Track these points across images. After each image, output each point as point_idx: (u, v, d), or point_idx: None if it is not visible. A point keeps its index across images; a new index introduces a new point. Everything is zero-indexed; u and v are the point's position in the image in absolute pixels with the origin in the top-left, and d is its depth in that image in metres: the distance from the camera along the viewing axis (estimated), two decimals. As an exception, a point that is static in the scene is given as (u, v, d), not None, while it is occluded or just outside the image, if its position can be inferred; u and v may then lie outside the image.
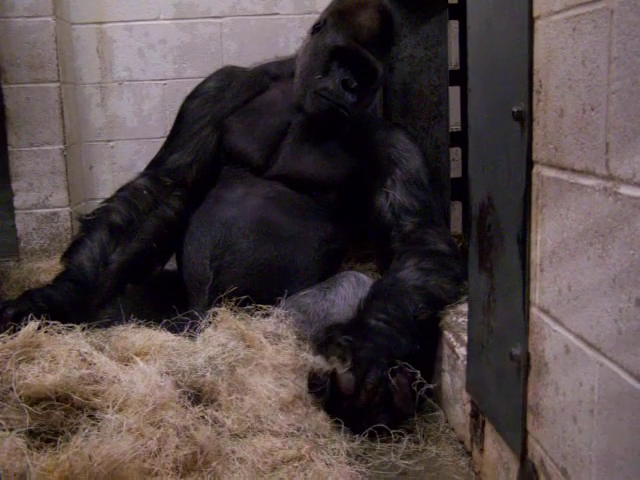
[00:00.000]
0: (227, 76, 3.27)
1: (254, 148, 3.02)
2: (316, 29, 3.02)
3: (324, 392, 2.17)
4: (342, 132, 3.00)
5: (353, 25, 2.88)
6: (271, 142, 3.02)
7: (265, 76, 3.24)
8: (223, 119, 3.12)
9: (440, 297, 2.55)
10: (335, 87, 2.88)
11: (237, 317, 2.50)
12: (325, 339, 2.37)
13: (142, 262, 2.94)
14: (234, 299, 2.58)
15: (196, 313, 2.55)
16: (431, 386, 2.20)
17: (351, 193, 3.00)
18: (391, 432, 2.13)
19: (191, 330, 2.45)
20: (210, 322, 2.46)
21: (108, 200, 3.06)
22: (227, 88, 3.20)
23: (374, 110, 3.34)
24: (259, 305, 2.58)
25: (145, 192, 3.03)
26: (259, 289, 2.73)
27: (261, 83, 3.21)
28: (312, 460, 1.93)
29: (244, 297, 2.59)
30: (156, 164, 3.19)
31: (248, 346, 2.38)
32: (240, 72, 3.29)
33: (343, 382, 2.13)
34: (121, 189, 3.11)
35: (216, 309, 2.52)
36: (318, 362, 2.23)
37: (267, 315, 2.56)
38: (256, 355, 2.35)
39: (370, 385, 2.12)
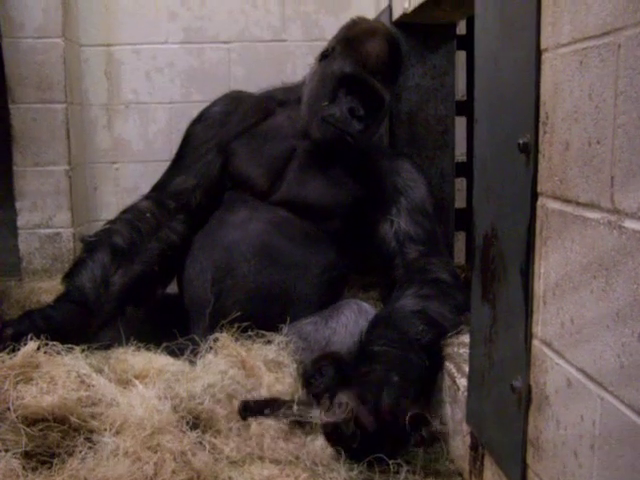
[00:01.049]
0: (233, 101, 3.28)
1: (259, 173, 3.02)
2: (324, 56, 3.03)
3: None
4: (347, 159, 2.99)
5: (361, 53, 2.89)
6: (276, 167, 3.02)
7: (271, 101, 3.25)
8: (228, 143, 3.12)
9: (441, 323, 2.53)
10: (342, 114, 2.88)
11: (238, 343, 2.50)
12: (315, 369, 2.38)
13: (143, 285, 2.93)
14: (235, 325, 2.57)
15: (196, 338, 2.54)
16: (431, 425, 2.18)
17: (355, 220, 3.00)
18: (390, 462, 2.11)
19: (191, 355, 2.44)
20: (211, 347, 2.45)
21: (111, 222, 3.05)
22: (233, 113, 3.21)
23: (380, 138, 3.34)
24: (260, 331, 2.57)
25: (148, 215, 3.02)
26: (260, 314, 2.72)
27: (267, 108, 3.22)
28: (309, 488, 1.92)
29: (246, 323, 2.58)
30: (160, 187, 3.19)
31: (248, 375, 2.37)
32: (246, 97, 3.30)
33: (363, 419, 2.08)
34: (124, 211, 3.10)
35: (217, 334, 2.51)
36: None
37: (268, 342, 2.55)
38: (256, 383, 2.34)
39: (387, 407, 2.09)
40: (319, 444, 2.15)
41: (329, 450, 2.13)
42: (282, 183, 3.00)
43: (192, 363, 2.39)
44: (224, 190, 3.11)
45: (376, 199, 2.98)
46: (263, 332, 2.56)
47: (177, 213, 3.08)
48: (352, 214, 2.99)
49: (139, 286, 2.91)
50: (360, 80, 2.89)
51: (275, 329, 2.62)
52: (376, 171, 3.04)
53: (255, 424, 2.16)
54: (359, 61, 2.89)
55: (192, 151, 3.17)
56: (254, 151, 3.07)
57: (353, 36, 2.97)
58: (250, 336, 2.55)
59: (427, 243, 2.90)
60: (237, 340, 2.51)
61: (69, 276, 2.83)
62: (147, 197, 3.15)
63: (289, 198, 2.97)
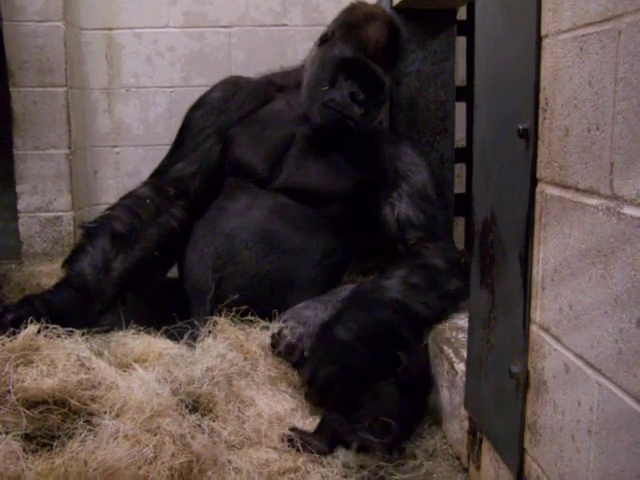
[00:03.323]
0: (232, 86, 3.26)
1: (258, 160, 3.01)
2: (323, 41, 3.02)
3: None
4: (348, 144, 2.99)
5: (361, 38, 2.89)
6: (276, 154, 3.01)
7: (270, 87, 3.24)
8: (227, 130, 3.11)
9: (421, 314, 2.60)
10: (343, 99, 2.87)
11: (237, 328, 2.51)
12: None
13: (143, 271, 2.92)
14: (235, 309, 2.58)
15: (196, 322, 2.55)
16: None
17: (355, 206, 2.99)
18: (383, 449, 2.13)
19: (190, 339, 2.45)
20: (210, 332, 2.46)
21: (111, 208, 3.05)
22: (232, 98, 3.19)
23: (380, 123, 3.33)
24: (259, 317, 2.59)
25: (148, 201, 3.02)
26: (261, 300, 2.72)
27: (266, 94, 3.21)
28: (308, 472, 1.93)
29: (244, 307, 2.59)
30: (160, 173, 3.18)
31: (246, 358, 2.38)
32: (245, 82, 3.29)
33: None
34: (124, 197, 3.10)
35: (216, 319, 2.52)
36: None
37: (267, 327, 2.57)
38: (254, 367, 2.35)
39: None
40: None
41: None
42: (282, 169, 2.99)
43: (191, 347, 2.40)
44: (224, 177, 3.10)
45: (377, 184, 2.98)
46: (262, 316, 2.58)
47: (176, 199, 3.08)
48: (352, 199, 2.99)
49: (139, 272, 2.90)
50: (360, 65, 2.89)
51: (275, 314, 2.63)
52: (377, 155, 3.04)
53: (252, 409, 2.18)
54: (359, 46, 2.88)
55: (191, 138, 3.17)
56: (253, 138, 3.06)
57: (353, 21, 2.96)
58: (249, 321, 2.57)
59: (427, 228, 2.91)
60: (236, 325, 2.52)
61: (69, 262, 2.83)
62: (146, 183, 3.15)
63: (289, 184, 2.97)
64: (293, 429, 2.16)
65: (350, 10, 3.04)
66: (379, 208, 2.96)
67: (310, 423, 2.21)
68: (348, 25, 2.95)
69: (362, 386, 2.33)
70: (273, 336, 2.50)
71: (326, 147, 3.00)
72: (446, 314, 2.63)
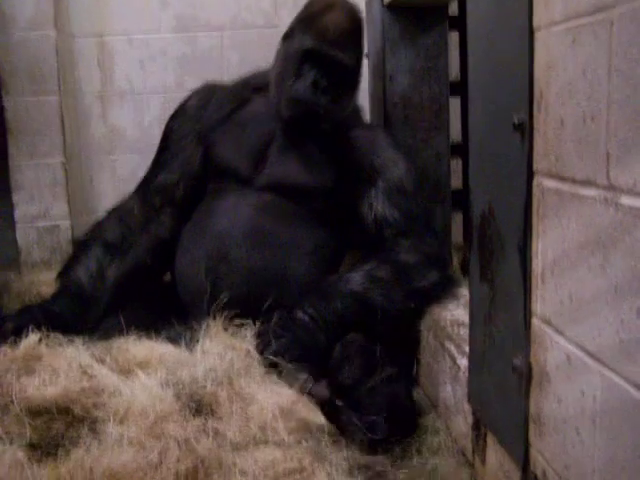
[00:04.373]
0: (208, 92, 3.27)
1: (240, 160, 3.02)
2: (287, 36, 3.04)
3: None
4: (323, 137, 2.99)
5: (320, 26, 2.89)
6: (256, 153, 3.02)
7: (246, 89, 3.24)
8: (207, 135, 3.12)
9: (383, 307, 2.65)
10: (306, 89, 2.86)
11: (232, 328, 2.52)
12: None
13: (137, 277, 2.96)
14: (232, 311, 2.58)
15: (195, 325, 2.56)
16: None
17: (338, 199, 3.00)
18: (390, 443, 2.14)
19: (190, 342, 2.46)
20: (207, 334, 2.47)
21: (100, 221, 3.13)
22: (209, 104, 3.20)
23: (357, 114, 3.31)
24: (257, 313, 2.60)
25: (136, 212, 3.06)
26: (256, 297, 2.73)
27: (242, 96, 3.21)
28: (313, 472, 1.93)
29: (242, 307, 2.60)
30: (145, 184, 3.21)
31: (243, 357, 2.38)
32: (220, 88, 3.30)
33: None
34: (112, 210, 3.15)
35: (211, 321, 2.53)
36: None
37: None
38: (251, 365, 2.36)
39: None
40: (319, 421, 2.18)
41: (329, 428, 2.16)
42: (264, 167, 3.00)
43: (191, 350, 2.41)
44: (208, 181, 3.11)
45: (355, 179, 2.98)
46: (260, 313, 2.61)
47: (163, 208, 3.10)
48: (335, 193, 2.98)
49: (133, 278, 2.95)
50: (321, 53, 2.87)
51: (273, 310, 2.65)
52: (354, 149, 3.03)
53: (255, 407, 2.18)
54: (318, 34, 2.88)
55: (172, 146, 3.18)
56: (234, 139, 3.07)
57: (311, 12, 2.97)
58: (245, 319, 2.58)
59: (402, 224, 2.91)
60: (230, 325, 2.54)
61: (64, 272, 2.88)
62: (133, 195, 3.18)
63: (272, 181, 2.97)
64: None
65: (309, 4, 3.05)
66: (359, 205, 2.97)
67: (313, 414, 2.21)
68: (307, 18, 2.97)
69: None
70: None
71: (301, 141, 3.01)
72: (412, 310, 2.70)
